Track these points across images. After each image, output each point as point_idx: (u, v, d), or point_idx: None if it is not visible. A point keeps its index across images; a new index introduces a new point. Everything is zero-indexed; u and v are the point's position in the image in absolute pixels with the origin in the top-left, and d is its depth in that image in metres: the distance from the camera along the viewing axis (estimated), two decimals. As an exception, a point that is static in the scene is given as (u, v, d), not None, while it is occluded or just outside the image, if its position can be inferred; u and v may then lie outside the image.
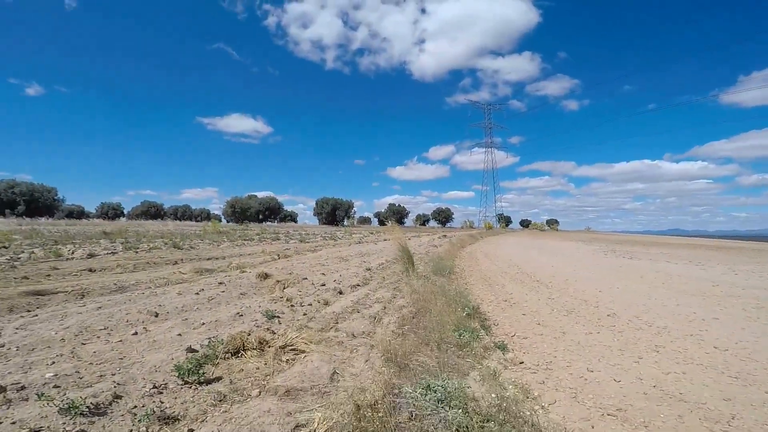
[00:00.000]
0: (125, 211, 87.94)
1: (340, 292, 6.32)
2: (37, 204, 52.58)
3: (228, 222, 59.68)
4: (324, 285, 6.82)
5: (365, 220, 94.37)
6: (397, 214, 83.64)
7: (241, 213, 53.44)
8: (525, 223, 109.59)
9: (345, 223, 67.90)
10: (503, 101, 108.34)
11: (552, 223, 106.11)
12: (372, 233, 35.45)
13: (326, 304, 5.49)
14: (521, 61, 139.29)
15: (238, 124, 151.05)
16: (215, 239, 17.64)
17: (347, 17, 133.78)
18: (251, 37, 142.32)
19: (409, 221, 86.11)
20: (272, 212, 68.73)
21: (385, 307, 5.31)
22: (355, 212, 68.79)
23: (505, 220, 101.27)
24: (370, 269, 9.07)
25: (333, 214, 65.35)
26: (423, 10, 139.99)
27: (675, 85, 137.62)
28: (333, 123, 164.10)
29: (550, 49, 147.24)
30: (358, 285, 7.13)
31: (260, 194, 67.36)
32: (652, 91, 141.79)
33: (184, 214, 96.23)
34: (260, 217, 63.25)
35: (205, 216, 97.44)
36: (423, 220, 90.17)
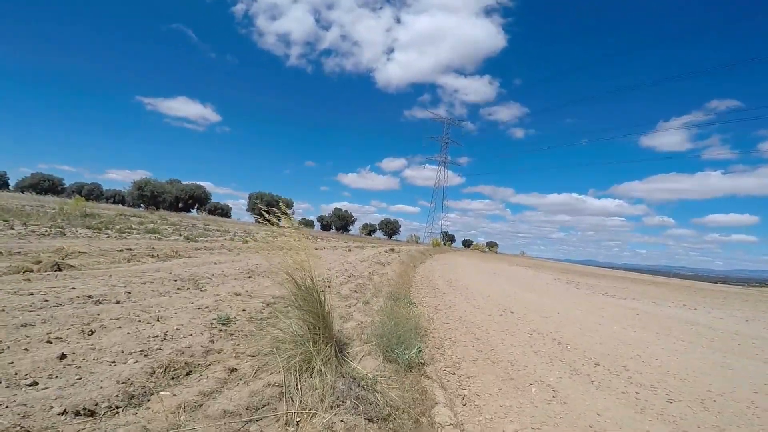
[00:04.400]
0: (9, 182, 72.62)
1: None
2: None
3: (138, 207, 49.48)
4: None
5: (308, 223, 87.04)
6: (342, 221, 78.16)
7: (151, 198, 43.89)
8: (467, 243, 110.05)
9: (281, 223, 60.41)
10: (459, 120, 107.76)
11: (492, 245, 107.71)
12: (306, 238, 29.37)
13: None
14: (481, 83, 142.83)
15: (183, 107, 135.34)
16: (45, 222, 10.81)
17: (320, 15, 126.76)
18: (214, 22, 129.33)
19: (355, 229, 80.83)
20: (197, 202, 59.14)
21: None
22: (294, 212, 61.59)
23: (450, 239, 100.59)
24: (225, 322, 3.63)
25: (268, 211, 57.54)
26: (398, 20, 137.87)
27: (608, 123, 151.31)
28: (287, 120, 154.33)
29: (508, 75, 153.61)
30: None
31: (197, 183, 57.53)
32: (590, 127, 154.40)
33: (91, 193, 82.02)
34: (180, 205, 53.63)
35: (119, 199, 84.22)
36: (369, 230, 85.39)
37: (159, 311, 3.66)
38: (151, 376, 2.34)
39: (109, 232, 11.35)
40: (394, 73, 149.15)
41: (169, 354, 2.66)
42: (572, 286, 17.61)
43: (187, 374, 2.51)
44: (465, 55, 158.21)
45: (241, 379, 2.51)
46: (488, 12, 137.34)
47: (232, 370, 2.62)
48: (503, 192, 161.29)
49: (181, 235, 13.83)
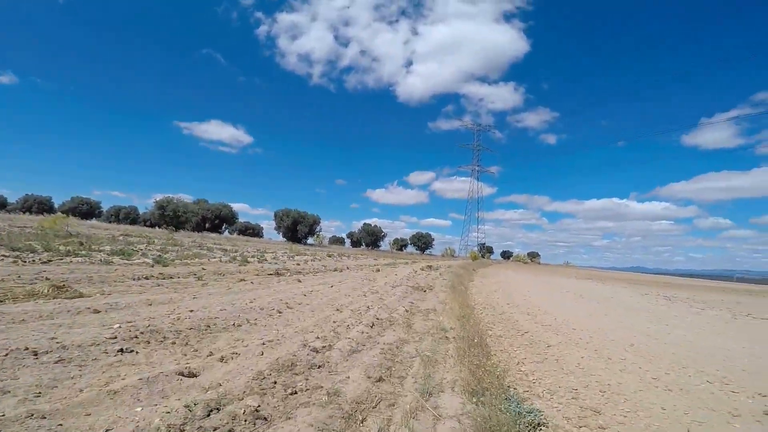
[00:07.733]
0: (55, 206, 75.34)
1: None
2: None
3: (158, 227, 48.15)
4: None
5: (338, 240, 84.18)
6: (372, 236, 74.44)
7: (174, 217, 42.26)
8: (506, 255, 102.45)
9: (310, 240, 57.60)
10: (488, 127, 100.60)
11: (533, 255, 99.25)
12: (330, 256, 25.89)
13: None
14: (506, 90, 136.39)
15: (216, 131, 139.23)
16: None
17: (338, 32, 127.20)
18: (241, 46, 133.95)
19: (385, 245, 76.69)
20: (224, 222, 57.71)
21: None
22: (320, 229, 58.42)
23: (488, 251, 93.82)
24: None
25: (294, 228, 54.82)
26: (415, 31, 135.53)
27: (645, 122, 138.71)
28: (315, 139, 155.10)
29: (534, 80, 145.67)
30: None
31: (224, 203, 55.72)
32: (626, 127, 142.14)
33: (128, 216, 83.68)
34: (206, 225, 52.18)
35: (155, 222, 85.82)
36: (401, 245, 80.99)
37: None
38: None
39: (40, 255, 8.04)
40: (415, 85, 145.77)
41: None
42: (679, 303, 13.06)
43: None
44: (488, 63, 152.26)
45: None
46: (507, 17, 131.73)
47: None
48: (538, 200, 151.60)
49: (153, 257, 10.39)
